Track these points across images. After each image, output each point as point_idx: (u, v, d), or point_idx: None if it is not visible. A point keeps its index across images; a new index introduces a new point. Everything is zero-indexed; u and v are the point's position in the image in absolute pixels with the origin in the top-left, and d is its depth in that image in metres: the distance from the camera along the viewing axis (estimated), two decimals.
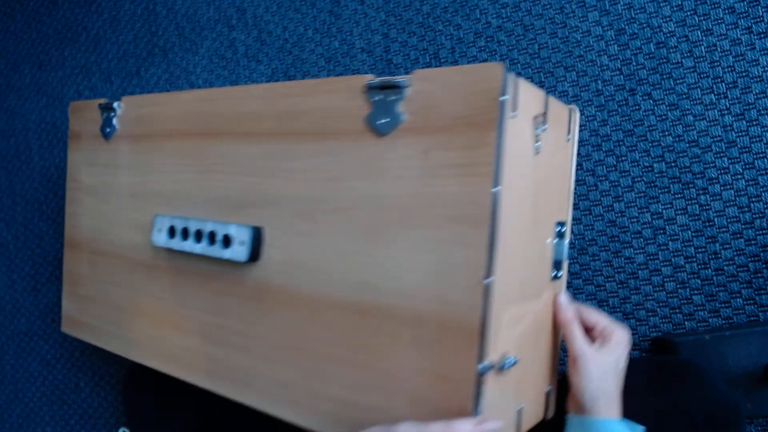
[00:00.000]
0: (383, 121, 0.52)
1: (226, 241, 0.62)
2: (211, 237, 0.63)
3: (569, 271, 0.84)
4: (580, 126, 0.83)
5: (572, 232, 0.84)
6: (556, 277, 0.58)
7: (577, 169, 0.83)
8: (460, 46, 0.90)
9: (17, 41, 1.25)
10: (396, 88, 0.51)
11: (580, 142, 0.83)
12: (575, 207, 0.83)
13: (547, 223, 0.56)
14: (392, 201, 0.51)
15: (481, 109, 0.46)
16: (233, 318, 0.64)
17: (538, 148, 0.52)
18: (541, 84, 0.85)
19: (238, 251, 0.60)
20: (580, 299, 0.83)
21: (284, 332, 0.59)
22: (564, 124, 0.59)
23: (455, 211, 0.47)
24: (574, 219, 0.84)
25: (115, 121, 0.79)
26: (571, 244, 0.84)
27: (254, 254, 0.60)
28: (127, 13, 1.16)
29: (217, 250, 0.62)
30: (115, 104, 0.79)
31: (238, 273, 0.63)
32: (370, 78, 0.53)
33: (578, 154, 0.83)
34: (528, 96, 0.50)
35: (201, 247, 0.64)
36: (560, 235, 0.59)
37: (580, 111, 0.83)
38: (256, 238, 0.60)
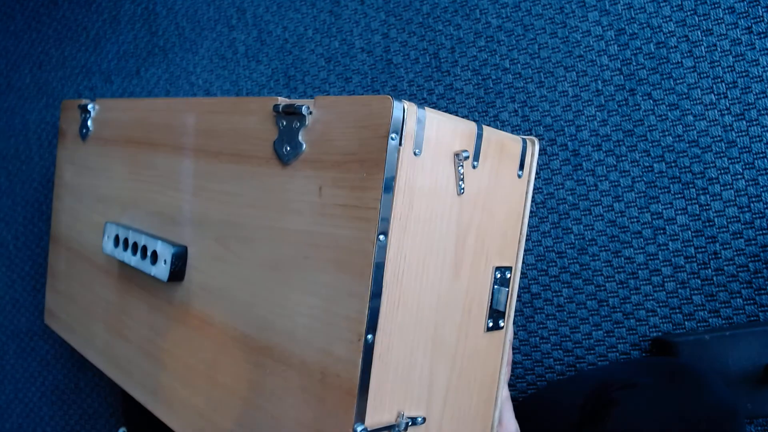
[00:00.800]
0: (287, 149, 0.48)
1: (154, 257, 0.60)
2: (144, 251, 0.62)
3: (569, 270, 0.84)
4: (580, 126, 0.83)
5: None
6: (494, 328, 0.53)
7: (573, 171, 0.83)
8: (460, 46, 0.90)
9: (17, 41, 1.25)
10: (298, 115, 0.47)
11: (581, 142, 0.83)
12: (575, 207, 0.83)
13: (480, 269, 0.51)
14: (290, 236, 0.48)
15: (370, 146, 0.42)
16: (162, 336, 0.62)
17: (462, 189, 0.47)
18: (540, 84, 0.85)
19: (162, 270, 0.59)
20: (579, 299, 0.83)
21: (200, 358, 0.57)
22: (514, 159, 0.53)
23: (342, 256, 0.43)
24: (574, 220, 0.84)
25: (89, 122, 0.79)
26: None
27: (175, 275, 0.58)
28: (127, 13, 1.16)
29: (146, 266, 0.61)
30: (90, 106, 0.79)
31: (167, 291, 0.62)
32: (279, 101, 0.50)
33: (578, 154, 0.83)
34: (443, 130, 0.45)
35: (135, 260, 0.63)
36: (503, 283, 0.53)
37: (580, 111, 0.83)
38: (177, 258, 0.58)
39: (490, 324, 0.53)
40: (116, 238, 0.67)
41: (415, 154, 0.43)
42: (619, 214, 0.81)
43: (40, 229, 1.19)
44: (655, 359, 0.76)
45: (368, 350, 0.42)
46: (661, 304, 0.80)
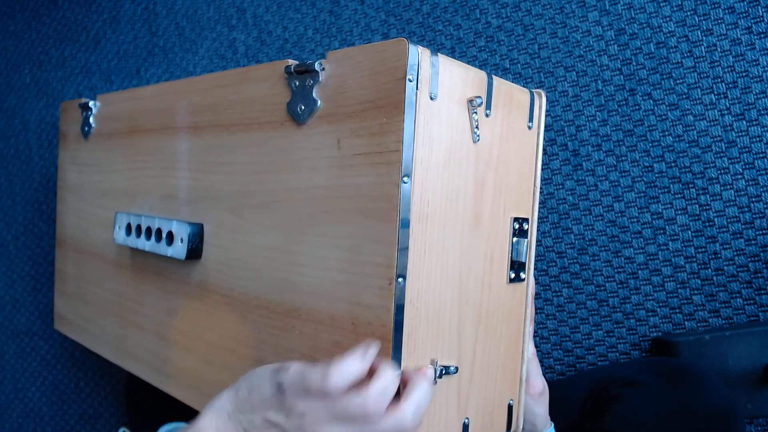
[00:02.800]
0: (301, 108, 0.48)
1: (170, 238, 0.61)
2: (158, 234, 0.62)
3: (569, 270, 0.84)
4: (580, 126, 0.83)
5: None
6: (516, 280, 0.53)
7: (573, 171, 0.83)
8: (460, 46, 0.90)
9: (17, 41, 1.25)
10: (311, 72, 0.47)
11: (581, 142, 0.83)
12: (575, 207, 0.83)
13: (499, 218, 0.51)
14: (309, 194, 0.48)
15: (387, 90, 0.42)
16: (180, 318, 0.62)
17: (477, 136, 0.47)
18: (540, 84, 0.85)
19: (179, 249, 0.59)
20: (579, 299, 0.83)
21: (221, 333, 0.57)
22: (524, 110, 0.53)
23: (366, 204, 0.43)
24: (574, 220, 0.84)
25: (91, 119, 0.79)
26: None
27: (193, 252, 0.59)
28: (127, 13, 1.16)
29: (162, 248, 0.61)
30: (91, 103, 0.79)
31: (183, 271, 0.62)
32: (290, 62, 0.50)
33: (578, 154, 0.83)
34: (456, 76, 0.45)
35: (150, 245, 0.63)
36: (520, 234, 0.53)
37: (580, 111, 0.83)
38: (194, 235, 0.58)
39: (512, 275, 0.53)
40: (128, 227, 0.67)
41: (431, 98, 0.43)
42: (619, 214, 0.81)
43: (40, 229, 1.19)
44: (656, 359, 0.76)
45: (400, 294, 0.42)
46: (661, 304, 0.80)
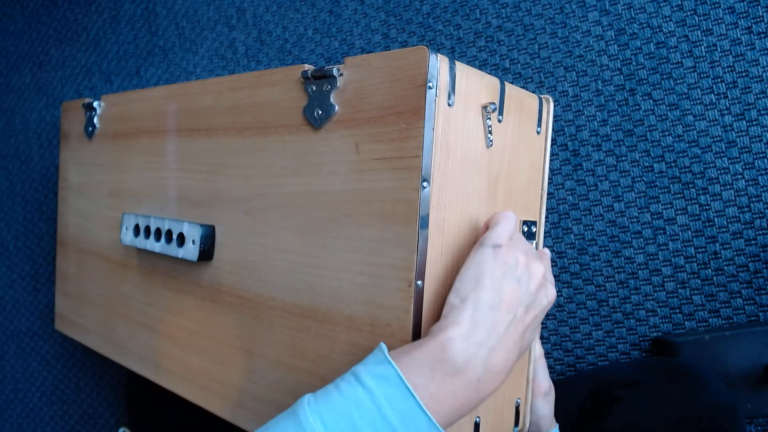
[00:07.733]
0: (318, 113, 0.49)
1: (181, 240, 0.61)
2: (168, 235, 0.62)
3: (569, 270, 0.84)
4: (580, 126, 0.83)
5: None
6: None
7: (573, 171, 0.83)
8: (460, 46, 0.90)
9: (17, 41, 1.25)
10: (329, 77, 0.48)
11: (581, 142, 0.83)
12: (575, 207, 0.83)
13: None
14: (327, 198, 0.49)
15: (407, 97, 0.43)
16: (191, 319, 0.63)
17: (491, 141, 0.48)
18: (540, 84, 0.85)
19: (190, 250, 0.59)
20: (579, 299, 0.83)
21: (234, 334, 0.58)
22: (533, 116, 0.54)
23: (385, 208, 0.44)
24: (574, 220, 0.84)
25: (96, 120, 0.79)
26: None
27: (205, 254, 0.59)
28: (127, 13, 1.16)
29: (173, 249, 0.61)
30: (95, 103, 0.79)
31: (194, 272, 0.62)
32: (306, 68, 0.51)
33: (578, 154, 0.83)
34: (472, 83, 0.46)
35: (160, 246, 0.63)
36: (529, 236, 0.55)
37: (580, 111, 0.83)
38: (206, 237, 0.59)
39: None
40: (136, 228, 0.67)
41: (449, 104, 0.44)
42: (619, 214, 0.81)
43: (40, 229, 1.19)
44: (656, 359, 0.76)
45: (419, 296, 0.43)
46: (661, 304, 0.80)
